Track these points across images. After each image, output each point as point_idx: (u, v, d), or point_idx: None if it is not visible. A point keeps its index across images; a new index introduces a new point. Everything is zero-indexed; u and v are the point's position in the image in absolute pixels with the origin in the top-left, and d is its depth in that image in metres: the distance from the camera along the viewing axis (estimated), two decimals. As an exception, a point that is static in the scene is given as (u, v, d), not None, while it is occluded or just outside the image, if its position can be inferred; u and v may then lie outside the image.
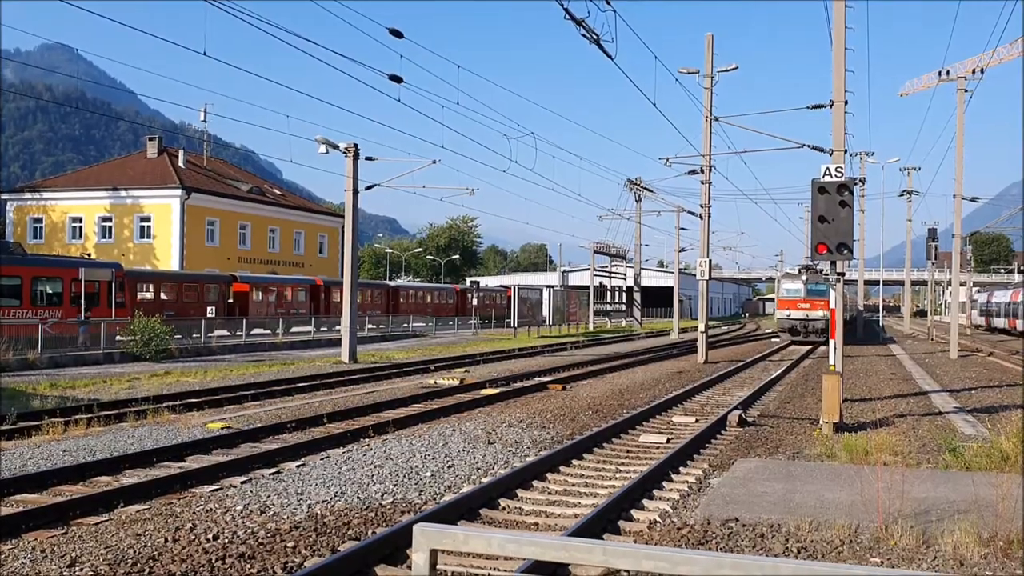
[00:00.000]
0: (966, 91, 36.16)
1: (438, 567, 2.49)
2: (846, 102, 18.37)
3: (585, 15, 13.20)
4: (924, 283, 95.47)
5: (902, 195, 56.24)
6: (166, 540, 8.21)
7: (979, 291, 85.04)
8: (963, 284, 76.40)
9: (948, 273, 68.96)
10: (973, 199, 44.92)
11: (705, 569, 1.82)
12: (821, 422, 15.16)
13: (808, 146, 23.74)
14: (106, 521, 9.01)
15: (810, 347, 42.59)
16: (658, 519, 9.22)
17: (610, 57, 14.65)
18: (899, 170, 56.76)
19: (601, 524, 8.84)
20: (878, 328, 67.63)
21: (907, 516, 8.44)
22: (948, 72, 41.50)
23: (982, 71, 37.42)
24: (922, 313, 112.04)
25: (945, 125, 45.44)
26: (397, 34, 18.88)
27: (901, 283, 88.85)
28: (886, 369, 29.52)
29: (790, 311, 45.35)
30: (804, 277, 45.38)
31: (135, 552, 7.82)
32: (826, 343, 36.90)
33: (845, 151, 18.59)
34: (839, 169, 15.44)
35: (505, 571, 7.10)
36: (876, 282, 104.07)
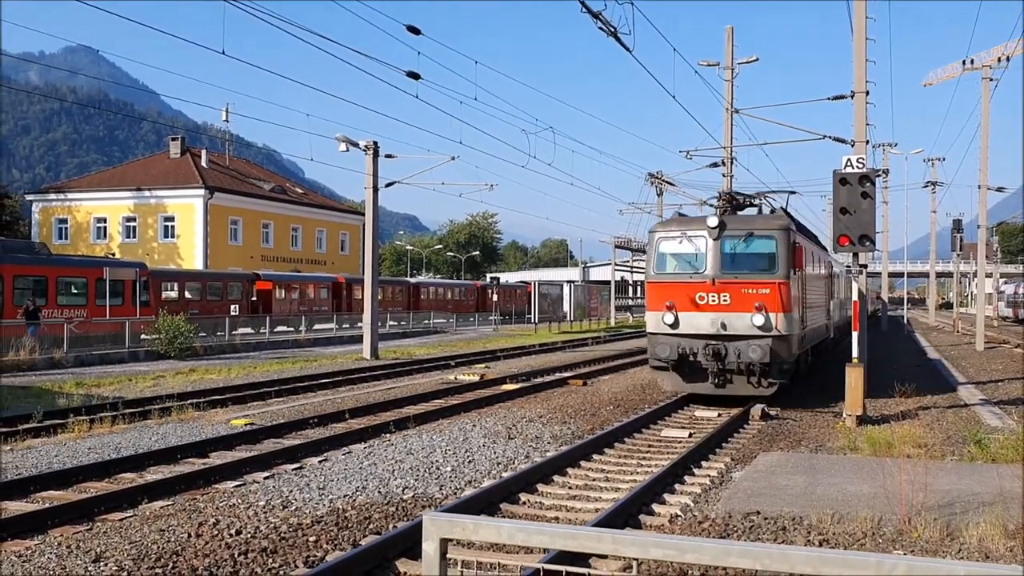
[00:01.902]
0: (991, 80, 35.72)
1: (455, 561, 2.50)
2: (868, 92, 18.20)
3: (602, 8, 13.18)
4: (949, 275, 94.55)
5: (926, 186, 55.61)
6: (189, 535, 8.28)
7: (1006, 282, 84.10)
8: (989, 275, 75.57)
9: (974, 264, 68.28)
10: (999, 189, 44.39)
11: (713, 557, 1.81)
12: (844, 415, 15.05)
13: (830, 137, 23.55)
14: (130, 517, 9.11)
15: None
16: (679, 513, 9.20)
17: (628, 50, 14.60)
18: (923, 161, 56.14)
19: (621, 518, 8.82)
20: (903, 323, 66.81)
21: (931, 508, 8.36)
22: (972, 61, 40.98)
23: (1007, 59, 36.92)
24: (948, 305, 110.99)
25: (970, 114, 44.68)
26: (414, 31, 18.90)
27: (926, 275, 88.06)
28: (910, 361, 29.26)
29: (675, 312, 16.92)
30: (714, 222, 16.87)
31: (159, 547, 7.89)
32: (772, 400, 16.93)
33: (867, 142, 18.43)
34: (860, 160, 15.32)
35: (526, 564, 7.10)
36: (900, 274, 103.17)
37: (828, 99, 22.68)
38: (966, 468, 10.90)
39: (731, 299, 16.29)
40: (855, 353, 15.73)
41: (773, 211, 19.89)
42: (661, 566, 6.89)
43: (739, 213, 18.67)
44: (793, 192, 21.98)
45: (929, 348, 37.26)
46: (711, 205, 21.15)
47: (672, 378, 17.27)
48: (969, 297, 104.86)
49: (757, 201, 20.00)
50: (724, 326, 16.26)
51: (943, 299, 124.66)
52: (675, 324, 16.65)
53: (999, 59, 37.26)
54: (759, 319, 15.96)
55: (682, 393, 17.70)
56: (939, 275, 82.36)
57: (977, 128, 36.17)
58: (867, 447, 12.28)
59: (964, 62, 41.26)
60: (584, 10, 13.04)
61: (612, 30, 13.76)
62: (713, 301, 16.39)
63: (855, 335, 15.98)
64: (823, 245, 26.47)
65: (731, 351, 16.18)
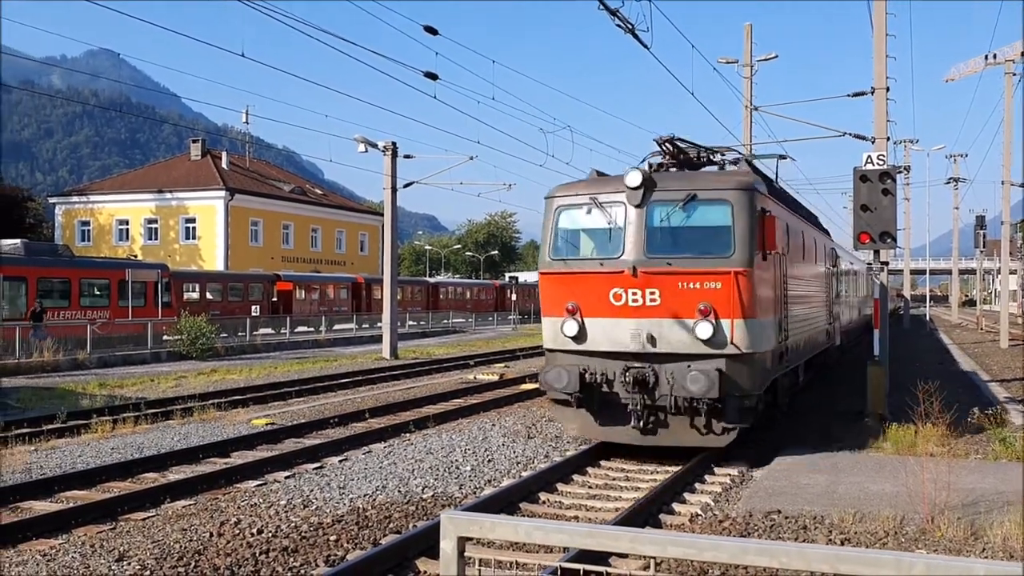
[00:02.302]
0: (1014, 75, 35.34)
1: (473, 560, 2.50)
2: (888, 89, 18.06)
3: (619, 5, 13.15)
4: (972, 272, 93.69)
5: (948, 182, 55.12)
6: (211, 534, 8.35)
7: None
8: (1013, 272, 74.75)
9: (997, 261, 67.57)
10: (1023, 185, 43.93)
11: (731, 555, 1.81)
12: (866, 413, 14.95)
13: (850, 134, 23.35)
14: (153, 516, 9.19)
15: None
16: (699, 512, 9.17)
17: (646, 47, 14.56)
18: (945, 157, 55.64)
19: (642, 517, 8.81)
20: (925, 321, 66.09)
21: (954, 508, 8.29)
22: (995, 56, 40.59)
23: (1030, 53, 36.51)
24: (971, 302, 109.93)
25: (993, 110, 44.18)
26: (432, 31, 18.93)
27: (948, 272, 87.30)
28: (933, 359, 29.01)
29: (580, 317, 11.49)
30: (635, 179, 11.25)
31: (181, 546, 7.96)
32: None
33: (888, 139, 18.28)
34: (881, 157, 15.21)
35: (544, 563, 7.10)
36: (922, 271, 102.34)
37: (848, 96, 22.51)
38: (990, 467, 10.81)
39: (662, 298, 10.94)
40: (876, 352, 15.63)
41: (707, 155, 13.60)
42: (680, 565, 6.88)
43: (670, 164, 13.05)
44: (783, 157, 16.96)
45: (952, 346, 36.93)
46: (656, 152, 13.18)
47: (578, 418, 11.80)
48: (993, 294, 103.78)
49: (721, 158, 13.76)
50: (652, 340, 10.99)
51: (966, 296, 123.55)
52: (580, 336, 11.38)
53: (1022, 54, 36.87)
54: (705, 329, 10.71)
55: (595, 441, 12.26)
56: (962, 272, 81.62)
57: (1000, 123, 35.83)
58: (889, 446, 12.18)
59: (986, 57, 40.90)
60: (602, 7, 13.02)
61: (630, 27, 13.73)
62: (635, 301, 11.04)
63: (876, 333, 15.89)
64: (823, 228, 21.35)
65: (663, 378, 10.95)
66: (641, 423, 11.17)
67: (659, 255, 11.03)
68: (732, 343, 10.75)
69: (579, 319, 11.35)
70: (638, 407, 11.05)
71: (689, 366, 10.77)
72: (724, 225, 11.00)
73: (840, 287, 22.28)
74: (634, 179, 11.15)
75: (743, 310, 10.74)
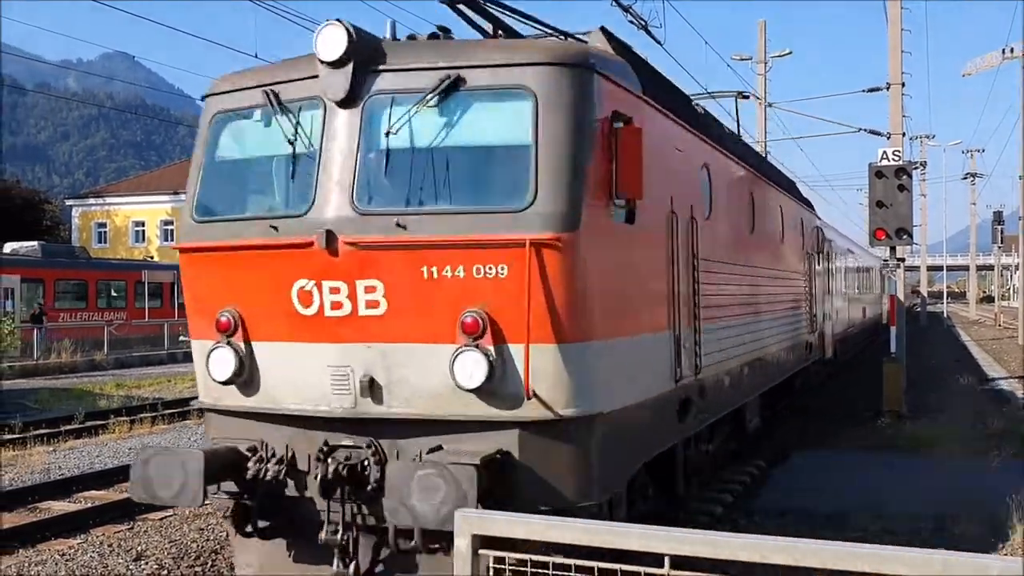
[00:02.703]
0: (1031, 69, 35.03)
1: (487, 557, 2.50)
2: (903, 84, 17.96)
3: (632, 1, 13.10)
4: (990, 268, 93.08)
5: (965, 178, 54.81)
6: (228, 534, 8.37)
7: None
8: (1031, 268, 74.08)
9: (1015, 257, 67.08)
10: (1040, 180, 43.53)
11: (747, 552, 1.80)
12: (883, 411, 14.87)
13: (865, 130, 23.25)
14: (170, 516, 9.22)
15: None
16: (716, 510, 9.12)
17: (659, 43, 14.50)
18: (962, 152, 55.30)
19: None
20: (942, 318, 65.42)
21: (973, 505, 8.23)
22: (1012, 50, 40.30)
23: (1047, 47, 36.23)
24: (989, 299, 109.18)
25: (1011, 104, 43.98)
26: (444, 30, 18.93)
27: (966, 268, 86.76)
28: (950, 355, 28.82)
29: (244, 340, 5.68)
30: (334, 47, 5.26)
31: (198, 546, 8.00)
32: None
33: (903, 134, 18.19)
34: (897, 152, 15.15)
35: (558, 560, 7.08)
36: (940, 268, 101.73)
37: (863, 91, 22.43)
38: (1009, 464, 10.72)
39: (391, 299, 5.37)
40: (893, 349, 15.55)
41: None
42: (695, 562, 6.85)
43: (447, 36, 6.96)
44: (744, 95, 12.46)
45: (970, 343, 36.70)
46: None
47: (250, 551, 6.15)
48: (1011, 290, 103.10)
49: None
50: (375, 389, 5.47)
51: (984, 292, 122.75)
52: (244, 380, 5.85)
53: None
54: (471, 367, 5.18)
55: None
56: (980, 268, 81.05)
57: (1018, 118, 35.57)
58: (906, 444, 12.12)
59: (1003, 51, 40.61)
60: (614, 3, 12.98)
61: (643, 23, 13.67)
62: (338, 306, 5.43)
63: (892, 331, 15.83)
64: (803, 198, 15.96)
65: (390, 472, 5.12)
66: (351, 568, 5.51)
67: (383, 208, 5.47)
68: (533, 396, 5.21)
69: (240, 344, 5.80)
70: (340, 533, 5.45)
71: (435, 450, 5.34)
72: (516, 143, 5.48)
73: (833, 280, 17.91)
74: (332, 44, 5.45)
75: (558, 324, 5.27)
